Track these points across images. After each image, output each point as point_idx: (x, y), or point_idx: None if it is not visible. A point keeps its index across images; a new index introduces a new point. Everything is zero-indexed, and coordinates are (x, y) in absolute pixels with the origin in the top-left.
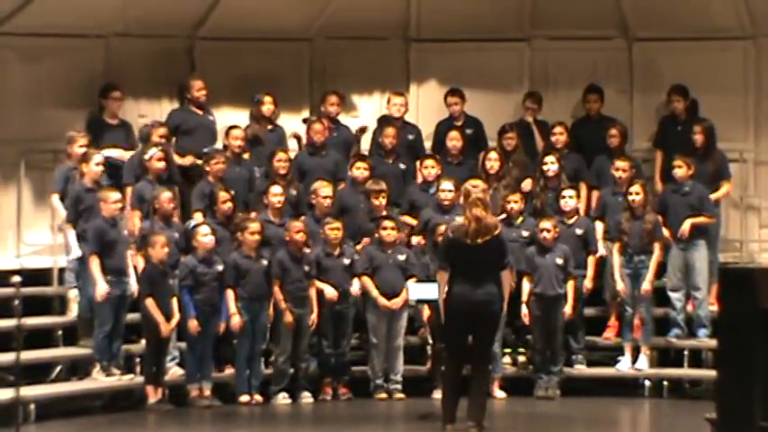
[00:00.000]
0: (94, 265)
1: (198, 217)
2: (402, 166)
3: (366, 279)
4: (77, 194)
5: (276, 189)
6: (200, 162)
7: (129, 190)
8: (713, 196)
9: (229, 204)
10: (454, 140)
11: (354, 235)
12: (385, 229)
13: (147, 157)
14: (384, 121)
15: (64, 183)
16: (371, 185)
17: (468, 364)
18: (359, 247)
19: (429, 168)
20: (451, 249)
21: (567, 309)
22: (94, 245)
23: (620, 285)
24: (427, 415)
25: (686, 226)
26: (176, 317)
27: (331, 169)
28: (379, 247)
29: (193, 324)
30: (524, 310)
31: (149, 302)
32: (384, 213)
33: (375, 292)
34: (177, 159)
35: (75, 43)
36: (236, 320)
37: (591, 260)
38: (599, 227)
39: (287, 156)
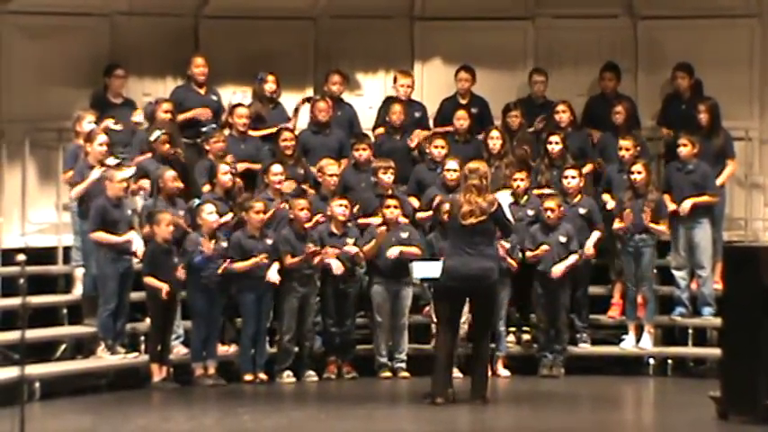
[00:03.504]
0: (104, 236)
1: (207, 190)
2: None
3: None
4: (82, 173)
5: (276, 168)
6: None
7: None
8: (719, 180)
9: (229, 176)
10: (461, 120)
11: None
12: (388, 207)
13: (152, 138)
14: (390, 99)
15: (73, 161)
16: (379, 162)
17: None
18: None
19: (439, 148)
20: (448, 223)
21: (557, 267)
22: (96, 224)
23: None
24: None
25: (687, 205)
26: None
27: (335, 147)
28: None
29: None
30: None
31: (149, 278)
32: (390, 192)
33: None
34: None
35: (80, 22)
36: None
37: (595, 234)
38: (606, 197)
39: (293, 135)
